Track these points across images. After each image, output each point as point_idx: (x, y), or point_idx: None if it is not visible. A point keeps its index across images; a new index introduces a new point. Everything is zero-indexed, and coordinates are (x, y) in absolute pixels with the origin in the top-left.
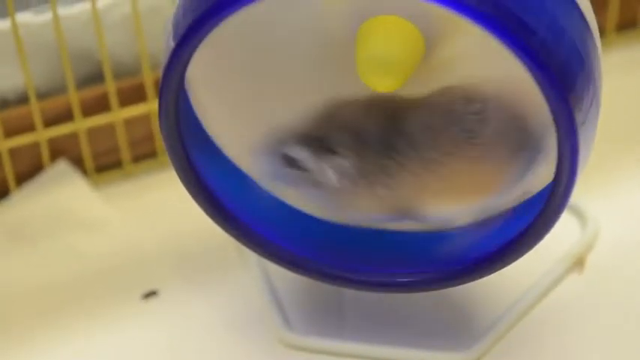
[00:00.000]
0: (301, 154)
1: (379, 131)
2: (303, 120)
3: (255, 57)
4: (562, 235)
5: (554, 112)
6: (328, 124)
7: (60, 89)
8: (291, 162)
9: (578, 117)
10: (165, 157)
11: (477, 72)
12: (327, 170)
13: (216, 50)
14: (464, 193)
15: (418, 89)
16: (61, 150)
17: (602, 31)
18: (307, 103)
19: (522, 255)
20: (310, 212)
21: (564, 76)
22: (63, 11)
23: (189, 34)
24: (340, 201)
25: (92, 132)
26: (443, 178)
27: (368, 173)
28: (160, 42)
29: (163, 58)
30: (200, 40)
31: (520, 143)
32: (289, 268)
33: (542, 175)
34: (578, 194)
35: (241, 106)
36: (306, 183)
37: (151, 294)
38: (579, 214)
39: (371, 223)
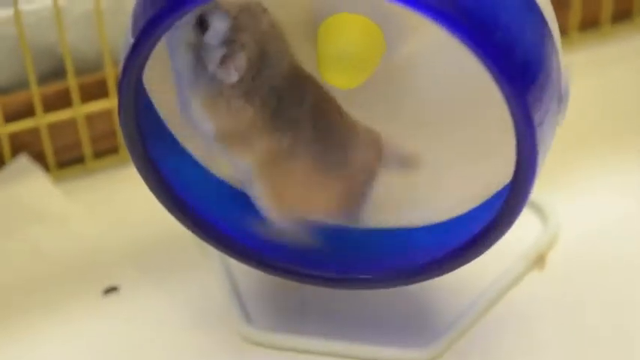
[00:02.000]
0: (219, 22)
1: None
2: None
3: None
4: (523, 232)
5: (512, 111)
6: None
7: (21, 84)
8: (201, 26)
9: (537, 117)
10: (126, 153)
11: (437, 69)
12: (231, 62)
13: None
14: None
15: (379, 86)
16: (23, 145)
17: (565, 31)
18: None
19: (483, 252)
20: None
21: (523, 77)
22: (25, 6)
23: (148, 31)
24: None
25: (54, 127)
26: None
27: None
28: (122, 38)
29: (122, 54)
30: (159, 37)
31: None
32: (250, 264)
33: (501, 173)
34: (540, 191)
35: None
36: (197, 66)
37: (111, 289)
38: (540, 212)
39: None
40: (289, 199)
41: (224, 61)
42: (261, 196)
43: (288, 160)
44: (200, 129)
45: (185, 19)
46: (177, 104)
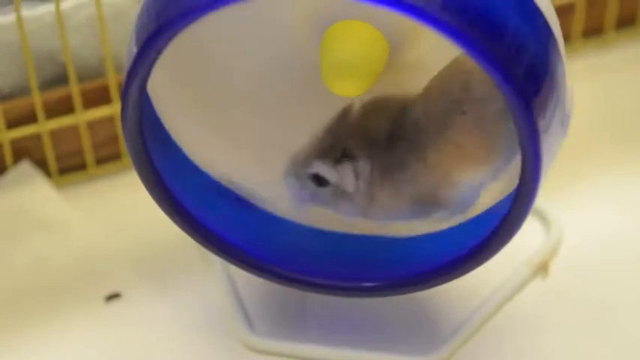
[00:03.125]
0: (323, 168)
1: (383, 125)
2: (311, 137)
3: (223, 68)
4: (526, 239)
5: (516, 120)
6: (334, 134)
7: (23, 90)
8: (319, 180)
9: (541, 125)
10: (128, 160)
11: None
12: (350, 177)
13: (178, 60)
14: (469, 162)
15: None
16: (24, 151)
17: (568, 38)
18: (292, 117)
19: (487, 260)
20: (340, 229)
21: (527, 85)
22: (27, 12)
23: (152, 41)
24: (367, 207)
25: (56, 134)
26: (447, 150)
27: (384, 169)
28: (125, 44)
29: (126, 64)
30: (163, 48)
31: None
32: (253, 272)
33: (505, 181)
34: (543, 198)
35: (218, 122)
36: (337, 198)
37: (113, 296)
38: (544, 219)
39: (394, 222)
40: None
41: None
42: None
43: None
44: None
45: (305, 188)
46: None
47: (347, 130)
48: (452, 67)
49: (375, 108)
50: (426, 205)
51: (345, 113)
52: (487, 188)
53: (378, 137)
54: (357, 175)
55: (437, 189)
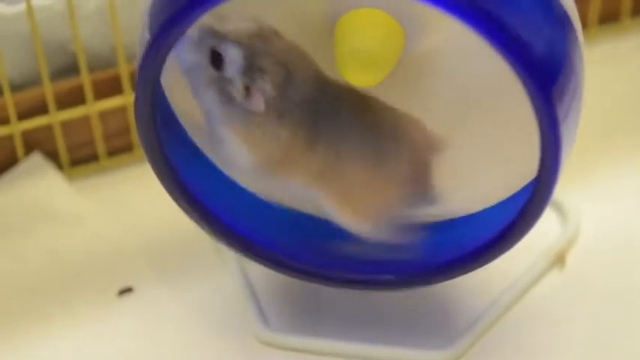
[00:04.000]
0: (233, 53)
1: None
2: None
3: None
4: (543, 231)
5: (535, 107)
6: (272, 49)
7: (34, 81)
8: (216, 61)
9: (560, 112)
10: (141, 151)
11: (458, 65)
12: (255, 90)
13: None
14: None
15: (398, 83)
16: (36, 143)
17: (585, 25)
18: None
19: (505, 252)
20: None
21: (545, 71)
22: (37, 2)
23: (166, 29)
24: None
25: (67, 125)
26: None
27: (289, 120)
28: (136, 33)
29: (138, 52)
30: (177, 36)
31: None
32: (267, 266)
33: (523, 171)
34: (559, 190)
35: None
36: (223, 100)
37: (126, 290)
38: (560, 210)
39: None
40: (361, 201)
41: (248, 90)
42: (334, 211)
43: (343, 167)
44: (238, 165)
45: (198, 58)
46: (208, 145)
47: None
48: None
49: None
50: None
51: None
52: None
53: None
54: (262, 93)
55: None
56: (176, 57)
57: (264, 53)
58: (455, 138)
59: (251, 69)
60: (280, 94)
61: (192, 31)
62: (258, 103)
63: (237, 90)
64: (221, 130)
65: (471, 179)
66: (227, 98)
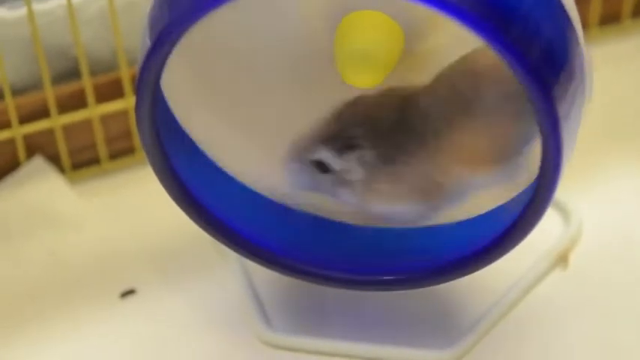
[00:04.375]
0: (328, 155)
1: (392, 115)
2: (318, 122)
3: (236, 60)
4: (545, 231)
5: (536, 107)
6: (342, 122)
7: (36, 85)
8: (322, 166)
9: (561, 111)
10: (142, 154)
11: None
12: (355, 165)
13: (191, 53)
14: (475, 159)
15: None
16: (37, 146)
17: (585, 26)
18: (308, 105)
19: (507, 252)
20: (340, 219)
21: (545, 71)
22: (38, 6)
23: (166, 34)
24: (366, 195)
25: (68, 128)
26: (452, 148)
27: (387, 158)
28: (137, 37)
29: (140, 57)
30: (177, 40)
31: (518, 113)
32: (269, 267)
33: (526, 171)
34: (562, 190)
35: (231, 115)
36: (337, 185)
37: (129, 292)
38: (562, 210)
39: (400, 220)
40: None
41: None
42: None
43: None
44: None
45: (312, 177)
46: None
47: (355, 119)
48: (462, 66)
49: (384, 97)
50: (424, 195)
51: (356, 102)
52: (487, 188)
53: (383, 126)
54: (361, 164)
55: (436, 179)
56: (298, 188)
57: (348, 128)
58: None
59: (347, 150)
60: (379, 150)
61: (294, 164)
62: (358, 173)
63: (350, 173)
64: (341, 192)
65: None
66: (341, 179)
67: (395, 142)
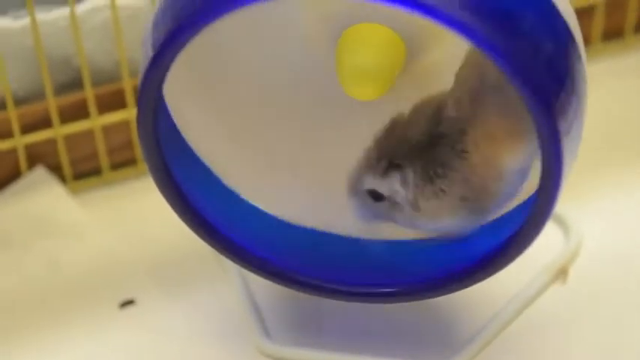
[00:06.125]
0: (374, 182)
1: (425, 128)
2: (362, 153)
3: (237, 72)
4: (545, 244)
5: (537, 122)
6: (381, 147)
7: (38, 95)
8: (375, 194)
9: (562, 126)
10: (144, 165)
11: None
12: (398, 186)
13: (192, 66)
14: (504, 148)
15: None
16: (39, 156)
17: (588, 41)
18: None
19: (507, 265)
20: (357, 234)
21: (547, 87)
22: (41, 16)
23: (168, 45)
24: (416, 214)
25: (70, 138)
26: (483, 145)
27: (427, 174)
28: (139, 48)
29: (141, 68)
30: (178, 51)
31: None
32: (269, 278)
33: (526, 184)
34: (561, 204)
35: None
36: (391, 210)
37: (128, 303)
38: (562, 224)
39: (447, 231)
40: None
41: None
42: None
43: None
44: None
45: (369, 208)
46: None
47: (392, 142)
48: (469, 59)
49: (416, 114)
50: (475, 202)
51: (393, 125)
52: (532, 168)
53: (419, 141)
54: (404, 184)
55: (484, 183)
56: (365, 222)
57: (394, 148)
58: None
59: (388, 173)
60: (418, 168)
61: (353, 200)
62: (404, 194)
63: (397, 195)
64: (397, 216)
65: None
66: (392, 202)
67: (432, 156)
